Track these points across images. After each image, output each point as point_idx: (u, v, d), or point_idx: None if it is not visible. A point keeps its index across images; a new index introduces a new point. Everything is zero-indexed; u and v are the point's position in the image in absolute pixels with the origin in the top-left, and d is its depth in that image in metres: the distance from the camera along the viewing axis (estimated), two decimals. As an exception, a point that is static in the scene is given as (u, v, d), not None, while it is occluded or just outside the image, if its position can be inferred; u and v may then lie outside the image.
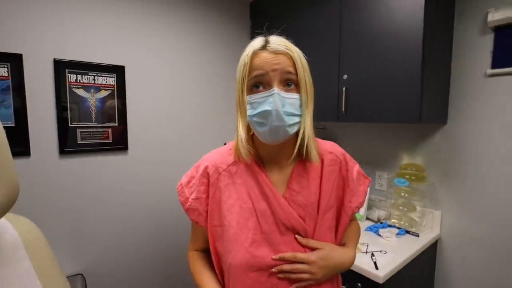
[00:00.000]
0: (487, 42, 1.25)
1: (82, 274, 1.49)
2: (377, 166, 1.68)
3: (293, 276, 0.64)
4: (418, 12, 1.14)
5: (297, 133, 0.67)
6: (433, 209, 1.45)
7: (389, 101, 1.27)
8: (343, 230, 0.75)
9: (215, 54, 1.90)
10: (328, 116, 1.52)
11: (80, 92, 1.44)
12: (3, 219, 0.59)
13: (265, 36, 0.67)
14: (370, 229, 1.45)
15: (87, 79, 1.45)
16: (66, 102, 1.40)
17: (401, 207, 1.46)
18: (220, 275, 0.71)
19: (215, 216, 0.69)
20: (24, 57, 1.28)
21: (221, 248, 0.68)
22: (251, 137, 0.70)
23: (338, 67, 1.46)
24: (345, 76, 1.43)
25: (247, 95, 0.65)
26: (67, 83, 1.40)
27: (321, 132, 1.96)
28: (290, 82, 0.63)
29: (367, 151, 1.73)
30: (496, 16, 1.19)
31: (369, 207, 1.63)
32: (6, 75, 1.25)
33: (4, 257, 0.54)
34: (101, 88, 1.49)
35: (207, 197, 0.71)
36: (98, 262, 1.57)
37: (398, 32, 1.21)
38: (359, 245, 1.28)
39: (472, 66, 1.30)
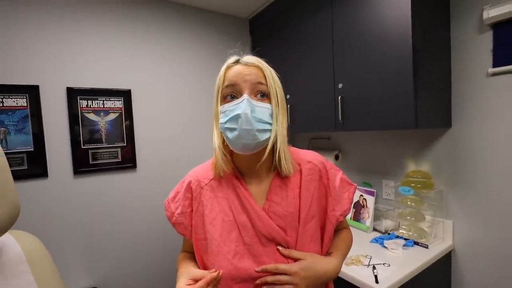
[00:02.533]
0: (486, 40, 1.19)
1: (96, 287, 1.57)
2: (383, 174, 1.63)
3: (277, 287, 0.64)
4: (405, 18, 1.13)
5: (272, 146, 0.68)
6: (443, 218, 1.37)
7: (384, 108, 1.24)
8: (328, 239, 0.74)
9: (217, 72, 1.97)
10: (326, 126, 1.51)
11: (91, 116, 1.56)
12: (7, 234, 0.64)
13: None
14: (375, 240, 1.39)
15: (97, 103, 1.57)
16: (79, 126, 1.53)
17: (408, 217, 1.39)
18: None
19: (199, 230, 0.71)
20: (40, 88, 1.43)
21: (207, 261, 0.70)
22: (229, 151, 0.72)
23: (333, 76, 1.46)
24: (340, 85, 1.42)
25: (220, 105, 0.68)
26: (79, 109, 1.53)
27: (325, 142, 1.94)
28: (262, 94, 0.66)
29: (373, 160, 1.68)
30: (492, 12, 1.14)
31: (377, 218, 1.57)
32: (25, 104, 1.40)
33: (7, 271, 0.59)
34: (110, 111, 1.61)
35: (192, 211, 0.73)
36: (112, 275, 1.64)
37: (387, 38, 1.20)
38: (361, 258, 1.23)
39: (472, 66, 1.24)
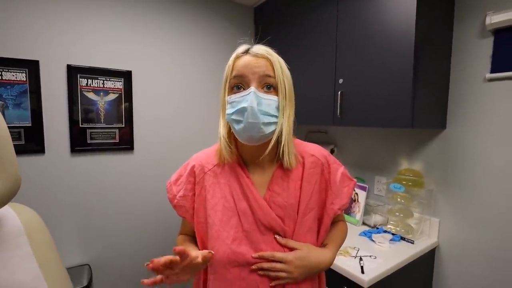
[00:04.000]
0: (487, 46, 1.22)
1: (89, 265, 1.59)
2: (376, 171, 1.66)
3: (271, 274, 0.67)
4: (410, 18, 1.13)
5: (277, 138, 0.69)
6: (431, 216, 1.42)
7: (382, 106, 1.27)
8: (325, 231, 0.76)
9: (219, 59, 1.97)
10: (324, 120, 1.53)
11: (90, 95, 1.55)
12: (7, 207, 0.65)
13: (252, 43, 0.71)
14: (364, 234, 1.44)
15: (97, 83, 1.56)
16: (78, 105, 1.52)
17: (397, 213, 1.43)
18: (204, 269, 0.75)
19: (201, 213, 0.73)
20: (40, 63, 1.41)
21: (206, 244, 0.72)
22: (234, 140, 0.73)
23: (334, 71, 1.47)
24: (341, 81, 1.44)
25: (228, 95, 0.68)
26: (79, 87, 1.52)
27: (322, 136, 1.97)
28: (269, 86, 0.66)
29: (367, 156, 1.72)
30: (495, 19, 1.15)
31: (367, 212, 1.61)
32: (24, 79, 1.38)
33: (6, 242, 0.60)
34: (110, 91, 1.60)
35: (194, 195, 0.75)
36: (104, 254, 1.67)
37: (391, 37, 1.21)
38: (349, 249, 1.28)
39: (471, 70, 1.27)
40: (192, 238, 0.81)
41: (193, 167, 0.76)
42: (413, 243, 1.34)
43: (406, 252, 1.27)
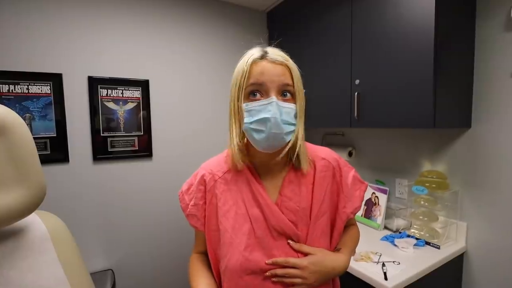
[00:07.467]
0: (513, 39, 1.15)
1: (112, 270, 1.63)
2: (397, 173, 1.61)
3: (286, 280, 0.65)
4: (428, 13, 1.10)
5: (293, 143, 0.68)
6: (457, 220, 1.35)
7: (401, 106, 1.23)
8: (338, 235, 0.75)
9: (233, 64, 1.98)
10: (341, 122, 1.50)
11: (110, 105, 1.61)
12: (34, 215, 0.68)
13: (262, 47, 0.69)
14: (386, 238, 1.39)
15: (116, 93, 1.62)
16: (99, 114, 1.58)
17: (421, 217, 1.38)
18: (217, 278, 0.74)
19: (212, 221, 0.73)
20: (63, 76, 1.48)
21: (218, 252, 0.72)
22: (245, 146, 0.73)
23: (350, 72, 1.44)
24: (357, 81, 1.41)
25: (243, 102, 0.66)
26: (99, 97, 1.57)
27: (339, 138, 1.93)
28: (286, 92, 0.65)
29: (387, 158, 1.66)
30: (521, 11, 1.10)
31: (388, 216, 1.56)
32: (49, 92, 1.45)
33: (33, 248, 0.63)
34: (128, 100, 1.65)
35: (205, 203, 0.74)
36: (126, 259, 1.71)
37: (409, 34, 1.17)
38: (370, 254, 1.24)
39: (496, 66, 1.21)
40: (206, 258, 0.79)
41: (203, 175, 0.76)
42: (438, 248, 1.28)
43: (432, 258, 1.21)
